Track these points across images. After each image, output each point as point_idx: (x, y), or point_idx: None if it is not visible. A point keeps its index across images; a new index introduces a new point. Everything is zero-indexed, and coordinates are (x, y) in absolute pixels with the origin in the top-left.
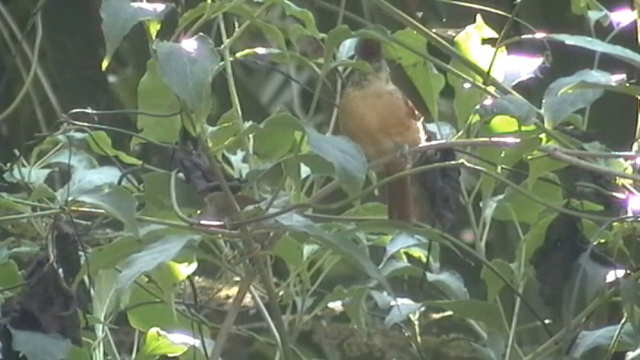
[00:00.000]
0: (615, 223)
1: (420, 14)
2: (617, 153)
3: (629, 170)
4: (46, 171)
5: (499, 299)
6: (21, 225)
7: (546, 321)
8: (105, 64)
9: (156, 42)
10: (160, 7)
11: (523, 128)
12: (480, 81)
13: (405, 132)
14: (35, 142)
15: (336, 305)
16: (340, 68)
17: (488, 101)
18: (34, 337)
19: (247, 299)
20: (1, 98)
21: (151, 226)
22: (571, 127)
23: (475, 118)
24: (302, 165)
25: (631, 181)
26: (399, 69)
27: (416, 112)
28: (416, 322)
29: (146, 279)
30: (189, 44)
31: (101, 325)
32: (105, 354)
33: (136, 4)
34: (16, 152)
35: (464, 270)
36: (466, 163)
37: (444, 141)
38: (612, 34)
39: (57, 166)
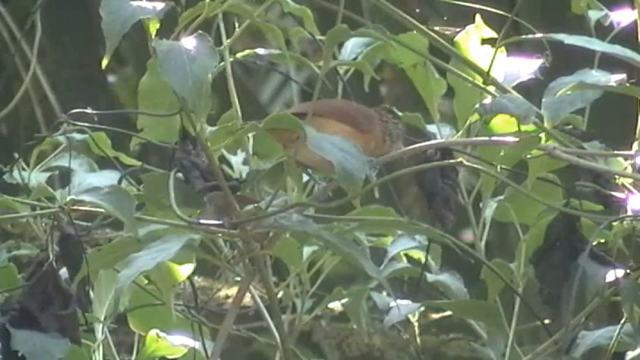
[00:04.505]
0: (615, 223)
1: (417, 10)
2: (616, 152)
3: (629, 169)
4: (46, 174)
5: (499, 299)
6: (20, 225)
7: (546, 321)
8: (104, 63)
9: (155, 41)
10: (160, 5)
11: (523, 128)
12: (479, 81)
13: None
14: (35, 142)
15: (336, 305)
16: (341, 72)
17: (487, 101)
18: (33, 337)
19: (247, 299)
20: (0, 97)
21: (150, 226)
22: (570, 126)
23: (474, 118)
24: None
25: (630, 181)
26: (400, 70)
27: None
28: (415, 323)
29: (146, 281)
30: (189, 42)
31: (101, 326)
32: (104, 355)
33: (135, 3)
34: (15, 155)
35: (464, 270)
36: (466, 162)
37: (442, 140)
38: (612, 33)
39: (57, 169)
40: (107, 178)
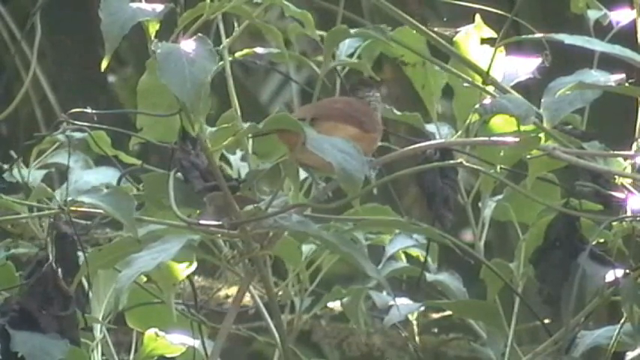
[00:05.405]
0: (614, 223)
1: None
2: (616, 152)
3: (629, 169)
4: (44, 171)
5: (498, 299)
6: (20, 225)
7: (545, 320)
8: (104, 64)
9: (155, 42)
10: (159, 7)
11: (522, 128)
12: (479, 81)
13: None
14: (34, 142)
15: (336, 305)
16: (339, 68)
17: (487, 101)
18: (32, 338)
19: (246, 298)
20: (0, 98)
21: (150, 226)
22: (570, 126)
23: (474, 118)
24: None
25: (630, 181)
26: (399, 70)
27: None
28: (414, 322)
29: (145, 279)
30: (188, 45)
31: (99, 326)
32: (103, 354)
33: (135, 5)
34: (14, 154)
35: (463, 270)
36: (465, 162)
37: (442, 140)
38: (611, 33)
39: (54, 167)
40: (104, 175)
